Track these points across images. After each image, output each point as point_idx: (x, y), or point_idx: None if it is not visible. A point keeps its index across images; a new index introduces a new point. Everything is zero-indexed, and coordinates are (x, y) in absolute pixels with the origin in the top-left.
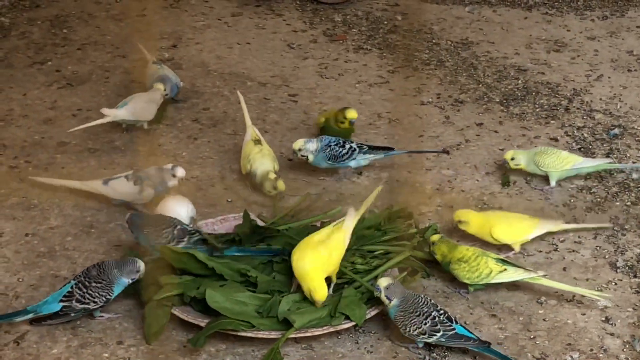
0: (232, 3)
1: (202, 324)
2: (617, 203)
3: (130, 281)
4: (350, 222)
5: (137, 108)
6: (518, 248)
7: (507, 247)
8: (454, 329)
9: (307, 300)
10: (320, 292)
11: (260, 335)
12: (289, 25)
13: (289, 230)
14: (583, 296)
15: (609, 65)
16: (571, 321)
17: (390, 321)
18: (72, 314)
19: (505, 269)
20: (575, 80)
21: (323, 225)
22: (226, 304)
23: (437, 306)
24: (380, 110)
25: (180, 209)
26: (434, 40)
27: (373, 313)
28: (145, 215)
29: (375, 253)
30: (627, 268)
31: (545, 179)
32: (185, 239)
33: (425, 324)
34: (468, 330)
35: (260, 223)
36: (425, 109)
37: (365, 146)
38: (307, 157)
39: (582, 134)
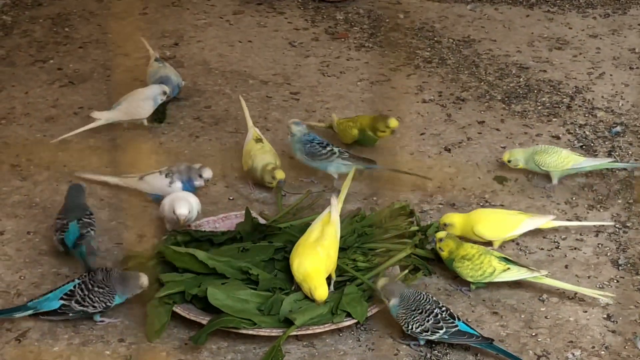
0: (233, 1)
1: (204, 322)
2: (619, 200)
3: (131, 296)
4: (335, 212)
5: (130, 107)
6: (497, 244)
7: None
8: (456, 325)
9: (308, 298)
10: (320, 290)
11: (261, 333)
12: (290, 23)
13: (290, 227)
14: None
15: (610, 63)
16: (573, 319)
17: (391, 318)
18: (70, 314)
19: (509, 268)
20: (577, 78)
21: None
22: (227, 301)
23: (439, 303)
24: (382, 108)
25: (184, 204)
26: (435, 38)
27: (374, 310)
28: None
29: (377, 251)
30: (629, 265)
31: (546, 175)
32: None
33: (427, 321)
34: (470, 327)
35: (261, 221)
36: (427, 106)
37: (347, 153)
38: (292, 135)
39: (584, 132)
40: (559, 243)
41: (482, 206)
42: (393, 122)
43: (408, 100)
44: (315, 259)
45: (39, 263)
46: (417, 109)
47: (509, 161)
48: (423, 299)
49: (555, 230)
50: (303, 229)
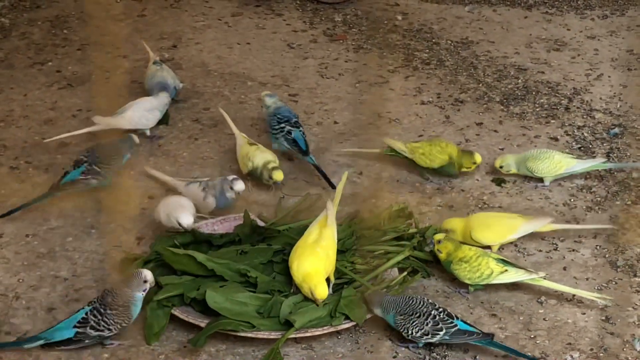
0: (232, 3)
1: (202, 325)
2: (618, 202)
3: (144, 293)
4: (332, 215)
5: (135, 117)
6: (495, 249)
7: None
8: (455, 325)
9: (307, 300)
10: (320, 289)
11: (260, 336)
12: (289, 25)
13: (289, 230)
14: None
15: (609, 65)
16: (571, 320)
17: None
18: (87, 341)
19: (507, 270)
20: (575, 79)
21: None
22: (226, 304)
23: (435, 304)
24: (381, 110)
25: (186, 213)
26: (434, 40)
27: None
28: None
29: (375, 253)
30: (627, 267)
31: (541, 178)
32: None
33: (426, 324)
34: (470, 325)
35: (260, 223)
36: (425, 108)
37: (291, 138)
38: (267, 108)
39: (582, 133)
40: (557, 245)
41: (481, 208)
42: (478, 158)
43: (406, 102)
44: (315, 259)
45: (37, 266)
46: (415, 110)
47: (501, 167)
48: (417, 302)
49: (553, 232)
50: (302, 231)
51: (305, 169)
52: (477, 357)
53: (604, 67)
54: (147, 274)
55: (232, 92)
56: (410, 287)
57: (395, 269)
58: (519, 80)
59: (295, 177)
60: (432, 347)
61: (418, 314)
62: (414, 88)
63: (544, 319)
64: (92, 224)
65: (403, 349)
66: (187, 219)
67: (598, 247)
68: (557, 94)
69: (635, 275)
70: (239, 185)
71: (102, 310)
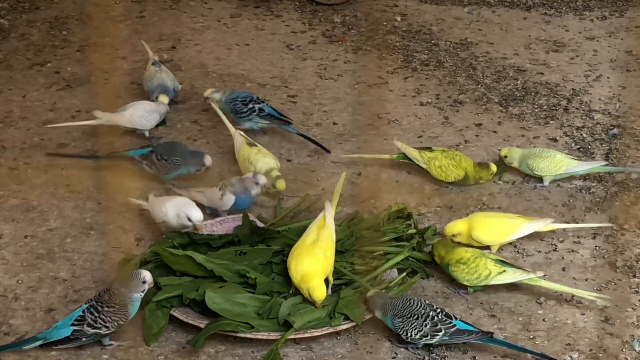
0: (231, 4)
1: (202, 326)
2: (617, 203)
3: (142, 294)
4: (330, 216)
5: (134, 117)
6: (495, 249)
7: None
8: (454, 325)
9: (306, 301)
10: (319, 290)
11: (259, 337)
12: (288, 26)
13: (288, 231)
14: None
15: (607, 65)
16: (570, 321)
17: None
18: (83, 339)
19: (505, 270)
20: (574, 80)
21: None
22: (225, 305)
23: (433, 305)
24: (380, 111)
25: (194, 208)
26: (433, 41)
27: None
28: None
29: (375, 254)
30: (626, 268)
31: (540, 177)
32: None
33: (425, 325)
34: (468, 324)
35: (259, 224)
36: (424, 109)
37: (265, 112)
38: (217, 101)
39: (581, 134)
40: (556, 245)
41: (480, 209)
42: (494, 168)
43: (405, 103)
44: (313, 259)
45: (36, 267)
46: (414, 111)
47: (505, 156)
48: (415, 304)
49: (552, 232)
50: (300, 232)
51: (304, 169)
52: (476, 358)
53: (603, 68)
54: (146, 275)
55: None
56: (410, 288)
57: (395, 270)
58: (518, 81)
59: (294, 178)
60: (431, 348)
61: (416, 316)
62: (413, 89)
63: (543, 320)
64: (91, 224)
65: (402, 349)
66: (197, 214)
67: (597, 248)
68: (556, 95)
69: (634, 276)
70: (263, 179)
71: (99, 307)
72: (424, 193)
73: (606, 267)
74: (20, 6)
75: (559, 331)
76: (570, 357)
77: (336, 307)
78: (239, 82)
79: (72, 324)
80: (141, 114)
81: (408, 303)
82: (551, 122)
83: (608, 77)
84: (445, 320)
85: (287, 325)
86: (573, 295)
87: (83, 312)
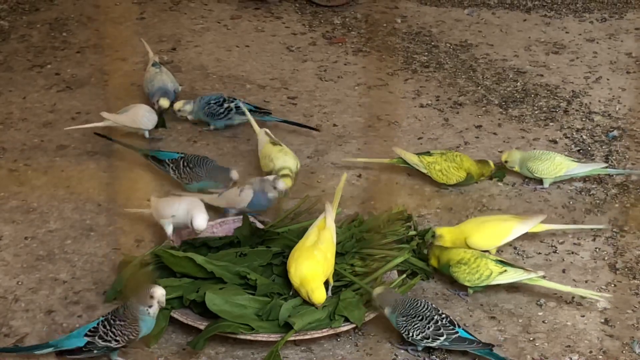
0: (231, 6)
1: (202, 327)
2: (617, 205)
3: (149, 309)
4: (330, 218)
5: (136, 116)
6: (494, 252)
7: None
8: (457, 332)
9: (306, 303)
10: (318, 293)
11: (259, 338)
12: (288, 28)
13: (288, 232)
14: (583, 298)
15: (607, 67)
16: (570, 323)
17: (390, 323)
18: (95, 351)
19: (505, 270)
20: (574, 82)
21: None
22: (225, 306)
23: (439, 310)
24: (380, 113)
25: (204, 217)
26: (433, 43)
27: (372, 315)
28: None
29: (375, 256)
30: (626, 270)
31: (540, 179)
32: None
33: (428, 328)
34: (470, 334)
35: (259, 225)
36: (424, 111)
37: (241, 107)
38: (187, 117)
39: (581, 136)
40: (556, 247)
41: (480, 211)
42: (492, 163)
43: (405, 104)
44: (312, 262)
45: (36, 268)
46: (414, 113)
47: (506, 162)
48: (422, 306)
49: (552, 234)
50: (301, 233)
51: (304, 171)
52: None
53: (603, 70)
54: (156, 291)
55: (231, 95)
56: (411, 291)
57: (395, 272)
58: (518, 83)
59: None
60: (431, 350)
61: (420, 317)
62: (413, 91)
63: (543, 322)
64: (91, 226)
65: (402, 351)
66: (200, 222)
67: (597, 250)
68: (555, 97)
69: (634, 278)
70: (282, 184)
71: (112, 321)
72: (424, 195)
73: (606, 268)
74: (21, 8)
75: (559, 333)
76: (570, 358)
77: (336, 309)
78: (239, 84)
79: (86, 334)
80: (143, 114)
81: (415, 303)
82: (551, 124)
83: (608, 79)
84: (449, 326)
85: (287, 327)
86: (573, 297)
87: (97, 324)
